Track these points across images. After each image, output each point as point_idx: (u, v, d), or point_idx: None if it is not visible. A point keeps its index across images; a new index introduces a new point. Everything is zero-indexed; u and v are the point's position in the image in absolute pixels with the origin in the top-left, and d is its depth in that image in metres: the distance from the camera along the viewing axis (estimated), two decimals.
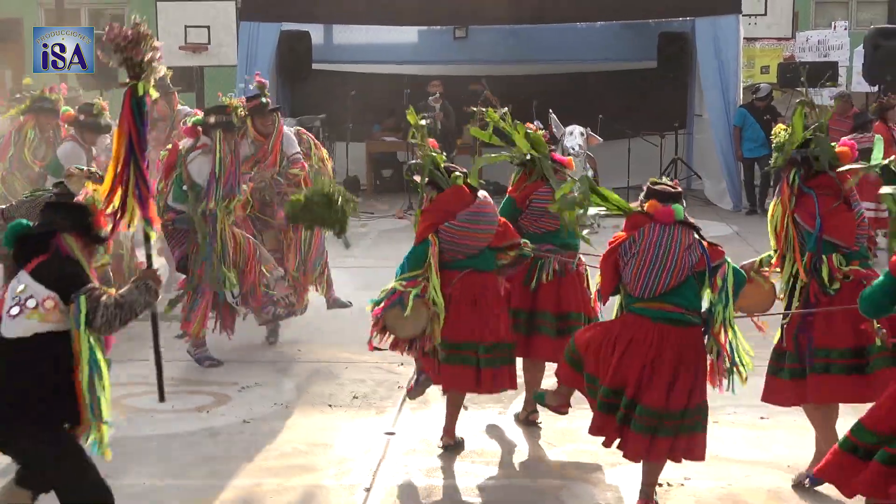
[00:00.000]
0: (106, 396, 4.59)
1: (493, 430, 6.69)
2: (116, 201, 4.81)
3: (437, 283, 5.99)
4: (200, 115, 8.14)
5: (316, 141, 9.51)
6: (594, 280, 5.84)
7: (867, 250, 5.75)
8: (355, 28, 17.03)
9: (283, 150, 8.58)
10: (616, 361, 5.28)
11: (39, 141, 10.32)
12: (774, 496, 5.67)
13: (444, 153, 6.63)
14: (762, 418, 6.55)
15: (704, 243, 5.34)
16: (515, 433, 6.64)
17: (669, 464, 5.48)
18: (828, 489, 5.42)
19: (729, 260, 5.34)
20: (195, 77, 15.49)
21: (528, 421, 6.71)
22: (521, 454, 6.36)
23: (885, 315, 4.67)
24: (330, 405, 7.14)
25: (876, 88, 15.37)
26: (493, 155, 6.75)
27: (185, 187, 7.80)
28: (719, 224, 13.42)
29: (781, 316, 5.74)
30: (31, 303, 4.46)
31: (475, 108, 6.96)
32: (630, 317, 5.34)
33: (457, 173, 6.20)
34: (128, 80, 4.87)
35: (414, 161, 6.44)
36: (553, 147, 7.85)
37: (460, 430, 6.37)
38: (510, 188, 6.71)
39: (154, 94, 4.95)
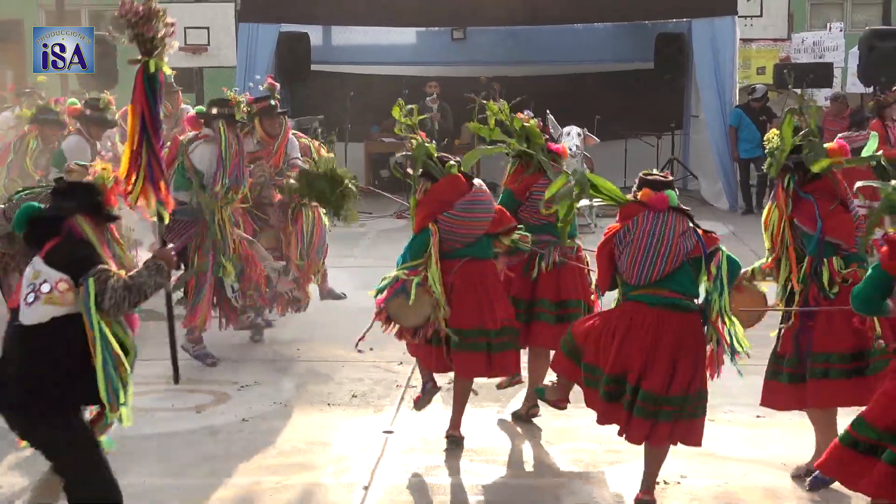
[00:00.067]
0: (125, 378, 4.51)
1: (492, 429, 6.70)
2: (135, 184, 4.77)
3: (437, 273, 6.01)
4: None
5: (317, 146, 9.52)
6: (594, 266, 5.83)
7: (865, 250, 5.77)
8: (354, 29, 17.05)
9: (287, 153, 8.63)
10: (616, 348, 5.32)
11: (41, 151, 10.29)
12: (771, 494, 5.69)
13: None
14: (759, 417, 6.56)
15: (699, 231, 5.39)
16: (514, 432, 6.66)
17: (666, 462, 5.51)
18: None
19: (723, 248, 5.38)
20: (195, 78, 15.46)
21: (528, 416, 6.72)
22: (519, 452, 6.38)
23: (877, 311, 4.67)
24: (329, 404, 7.17)
25: (871, 89, 15.39)
26: (488, 147, 6.75)
27: (187, 175, 7.79)
28: (715, 224, 13.34)
29: (780, 320, 5.76)
30: (45, 287, 4.44)
31: (474, 96, 6.89)
32: (628, 304, 5.38)
33: (451, 162, 6.20)
34: (139, 58, 4.77)
35: (402, 154, 6.35)
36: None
37: None
38: (505, 180, 6.70)
39: (168, 70, 4.84)
